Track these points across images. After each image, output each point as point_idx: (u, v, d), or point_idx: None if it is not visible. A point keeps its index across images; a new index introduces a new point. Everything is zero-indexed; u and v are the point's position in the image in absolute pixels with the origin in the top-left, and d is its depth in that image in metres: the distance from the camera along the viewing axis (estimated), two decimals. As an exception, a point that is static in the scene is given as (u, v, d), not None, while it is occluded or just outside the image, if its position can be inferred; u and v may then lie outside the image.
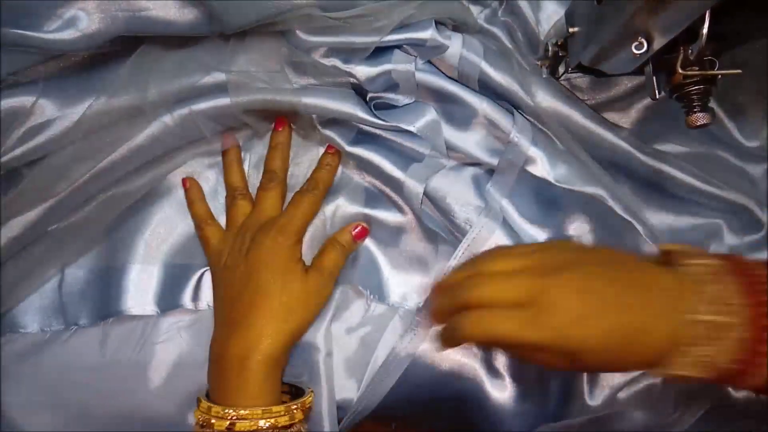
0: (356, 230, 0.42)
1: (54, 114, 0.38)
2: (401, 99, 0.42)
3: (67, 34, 0.35)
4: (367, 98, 0.41)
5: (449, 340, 0.32)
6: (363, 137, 0.43)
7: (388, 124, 0.41)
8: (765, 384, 0.28)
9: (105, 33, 0.36)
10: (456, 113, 0.42)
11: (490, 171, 0.43)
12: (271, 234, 0.39)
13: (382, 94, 0.42)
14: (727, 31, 0.31)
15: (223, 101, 0.39)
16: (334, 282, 0.42)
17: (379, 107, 0.42)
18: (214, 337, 0.40)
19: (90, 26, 0.35)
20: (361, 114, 0.40)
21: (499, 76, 0.41)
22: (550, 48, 0.41)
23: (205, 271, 0.43)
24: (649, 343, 0.28)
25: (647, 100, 0.44)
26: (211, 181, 0.44)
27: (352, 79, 0.41)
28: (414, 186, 0.41)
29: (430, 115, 0.42)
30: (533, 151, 0.40)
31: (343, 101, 0.40)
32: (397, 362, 0.41)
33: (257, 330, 0.37)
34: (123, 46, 0.39)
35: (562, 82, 0.44)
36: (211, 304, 0.42)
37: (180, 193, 0.44)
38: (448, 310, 0.31)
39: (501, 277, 0.30)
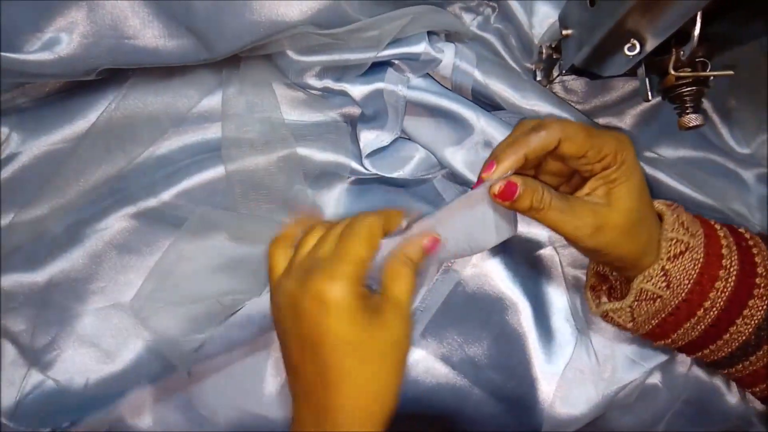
0: (427, 242, 0.31)
1: (19, 147, 0.38)
2: (386, 137, 0.41)
3: (44, 56, 0.33)
4: (361, 146, 0.42)
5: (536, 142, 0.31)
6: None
7: (378, 174, 0.42)
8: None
9: (84, 58, 0.34)
10: (450, 128, 0.42)
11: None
12: (317, 280, 0.28)
13: (370, 132, 0.42)
14: (718, 33, 0.31)
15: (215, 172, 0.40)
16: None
17: (369, 155, 0.42)
18: (294, 419, 0.30)
19: (67, 49, 0.33)
20: (354, 165, 0.41)
21: (492, 85, 0.41)
22: (544, 51, 0.41)
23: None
24: (645, 238, 0.33)
25: (642, 105, 0.44)
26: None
27: (343, 110, 0.41)
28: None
29: (419, 154, 0.43)
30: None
31: (336, 153, 0.41)
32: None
33: (343, 423, 0.28)
34: (104, 74, 0.37)
35: (557, 85, 0.44)
36: None
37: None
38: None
39: None
